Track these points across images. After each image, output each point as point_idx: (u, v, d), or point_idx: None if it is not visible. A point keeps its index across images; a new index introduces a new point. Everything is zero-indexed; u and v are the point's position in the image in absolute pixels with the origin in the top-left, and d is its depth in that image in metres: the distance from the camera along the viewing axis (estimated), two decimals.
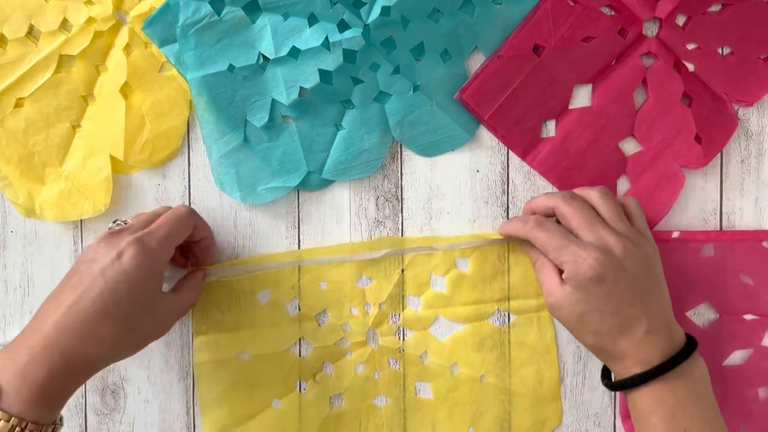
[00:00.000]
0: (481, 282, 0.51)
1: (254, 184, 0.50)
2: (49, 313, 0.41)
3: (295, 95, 0.49)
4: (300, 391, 0.52)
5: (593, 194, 0.46)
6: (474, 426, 0.52)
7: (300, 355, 0.52)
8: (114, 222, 0.46)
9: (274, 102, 0.49)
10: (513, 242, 0.51)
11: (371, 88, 0.49)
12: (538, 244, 0.45)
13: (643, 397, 0.43)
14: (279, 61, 0.48)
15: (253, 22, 0.48)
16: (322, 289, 0.51)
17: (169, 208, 0.47)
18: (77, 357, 0.41)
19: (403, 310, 0.52)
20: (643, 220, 0.47)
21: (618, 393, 0.52)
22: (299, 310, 0.51)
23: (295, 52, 0.48)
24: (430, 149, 0.51)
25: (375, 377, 0.52)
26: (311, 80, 0.48)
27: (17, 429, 0.38)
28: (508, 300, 0.52)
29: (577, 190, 0.47)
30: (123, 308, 0.41)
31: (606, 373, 0.48)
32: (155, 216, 0.46)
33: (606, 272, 0.43)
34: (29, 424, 0.39)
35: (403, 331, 0.52)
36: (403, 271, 0.51)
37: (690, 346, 0.44)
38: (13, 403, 0.39)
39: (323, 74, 0.48)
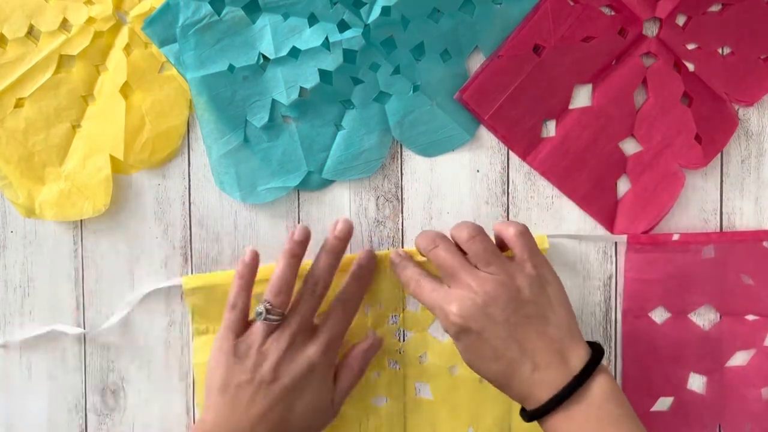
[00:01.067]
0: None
1: (254, 184, 0.50)
2: (243, 423, 0.44)
3: (295, 95, 0.49)
4: None
5: (462, 234, 0.45)
6: (474, 426, 0.52)
7: None
8: (264, 313, 0.45)
9: (274, 102, 0.49)
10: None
11: (371, 88, 0.49)
12: (419, 299, 0.46)
13: (550, 428, 0.43)
14: (279, 61, 0.48)
15: (253, 22, 0.48)
16: None
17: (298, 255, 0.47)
18: None
19: (402, 311, 0.52)
20: (524, 246, 0.44)
21: None
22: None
23: (295, 52, 0.48)
24: (430, 149, 0.51)
25: (375, 377, 0.52)
26: (311, 80, 0.48)
27: None
28: None
29: (453, 229, 0.46)
30: (306, 409, 0.46)
31: None
32: (291, 278, 0.46)
33: (469, 323, 0.42)
34: None
35: (403, 332, 0.52)
36: None
37: (584, 372, 0.42)
38: None
39: (323, 74, 0.48)
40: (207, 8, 0.47)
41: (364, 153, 0.50)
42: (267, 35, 0.48)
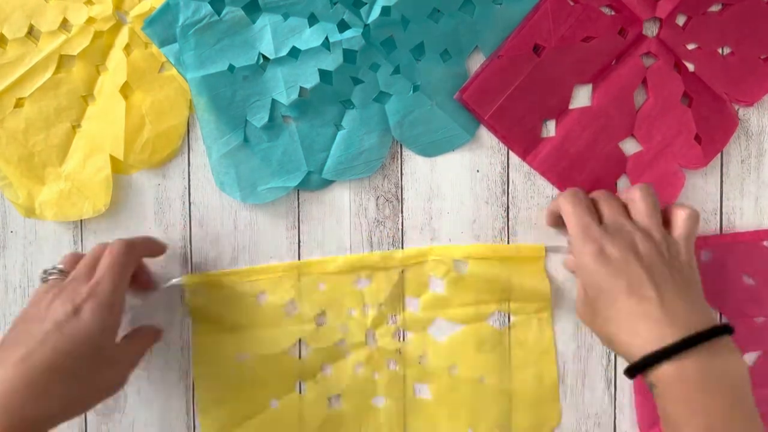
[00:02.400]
0: (480, 283, 0.51)
1: (254, 184, 0.50)
2: (2, 372, 0.39)
3: (295, 95, 0.49)
4: (299, 392, 0.52)
5: (634, 192, 0.46)
6: (473, 427, 0.52)
7: (299, 357, 0.52)
8: (45, 272, 0.45)
9: (274, 102, 0.49)
10: (518, 250, 0.51)
11: (371, 88, 0.49)
12: (565, 215, 0.46)
13: (656, 380, 0.41)
14: (279, 61, 0.48)
15: (253, 22, 0.48)
16: (320, 291, 0.51)
17: (104, 247, 0.46)
18: (25, 419, 0.38)
19: (402, 311, 0.52)
20: (685, 235, 0.45)
21: (621, 394, 0.52)
22: (298, 311, 0.51)
23: (295, 52, 0.48)
24: (430, 149, 0.51)
25: (374, 378, 0.52)
26: (311, 80, 0.48)
27: None
28: (508, 301, 0.51)
29: (624, 190, 0.48)
30: (79, 364, 0.40)
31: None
32: (93, 260, 0.45)
33: (609, 251, 0.43)
34: None
35: (402, 333, 0.52)
36: (402, 272, 0.51)
37: (716, 330, 0.41)
38: None
39: (323, 74, 0.48)
40: (207, 8, 0.47)
41: (364, 153, 0.50)
42: (267, 35, 0.48)
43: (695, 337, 0.40)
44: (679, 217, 0.45)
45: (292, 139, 0.50)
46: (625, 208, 0.46)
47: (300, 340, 0.52)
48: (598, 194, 0.47)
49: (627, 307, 0.42)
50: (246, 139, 0.50)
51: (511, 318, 0.52)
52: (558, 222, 0.49)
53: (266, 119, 0.49)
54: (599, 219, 0.46)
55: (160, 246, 0.49)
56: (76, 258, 0.46)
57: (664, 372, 0.40)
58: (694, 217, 0.46)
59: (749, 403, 0.41)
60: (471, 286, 0.51)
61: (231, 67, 0.48)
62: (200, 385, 0.51)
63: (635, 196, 0.46)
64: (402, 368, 0.52)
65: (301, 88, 0.49)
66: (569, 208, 0.46)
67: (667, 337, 0.40)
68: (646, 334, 0.41)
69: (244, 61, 0.48)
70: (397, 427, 0.52)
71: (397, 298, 0.51)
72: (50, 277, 0.45)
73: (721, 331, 0.41)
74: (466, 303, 0.51)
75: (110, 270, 0.43)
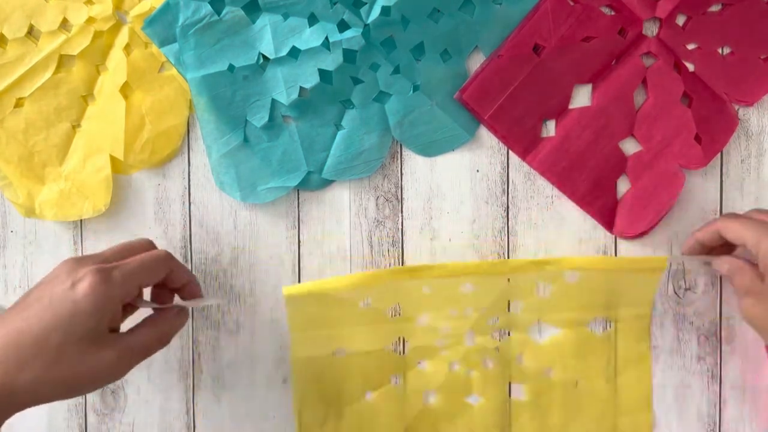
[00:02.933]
0: (587, 292, 0.51)
1: (254, 184, 0.50)
2: None
3: (295, 95, 0.49)
4: (394, 384, 0.52)
5: None
6: (565, 431, 0.52)
7: (399, 353, 0.52)
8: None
9: (274, 102, 0.49)
10: (627, 258, 0.51)
11: (371, 88, 0.49)
12: (733, 233, 0.45)
13: None
14: (279, 61, 0.48)
15: (253, 22, 0.48)
16: (424, 293, 0.50)
17: (152, 245, 0.45)
18: (5, 385, 0.37)
19: (504, 312, 0.51)
20: None
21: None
22: (401, 314, 0.51)
23: (295, 52, 0.48)
24: (430, 149, 0.51)
25: (469, 376, 0.52)
26: (311, 80, 0.48)
27: None
28: (611, 308, 0.51)
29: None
30: (60, 340, 0.38)
31: None
32: (134, 249, 0.43)
33: None
34: None
35: (501, 332, 0.52)
36: (509, 280, 0.51)
37: None
38: None
39: (323, 74, 0.48)
40: (207, 8, 0.47)
41: (364, 153, 0.50)
42: (267, 35, 0.48)
43: None
44: None
45: (292, 138, 0.50)
46: None
47: (399, 338, 0.52)
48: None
49: None
50: (246, 139, 0.50)
51: (612, 324, 0.52)
52: (703, 250, 0.49)
53: (266, 119, 0.49)
54: None
55: (189, 279, 0.45)
56: (123, 246, 0.44)
57: None
58: None
59: None
60: (578, 294, 0.51)
61: (231, 67, 0.48)
62: (296, 380, 0.51)
63: None
64: (498, 367, 0.52)
65: (301, 88, 0.49)
66: (738, 224, 0.45)
67: None
68: None
69: (244, 61, 0.48)
70: (493, 426, 0.52)
71: (501, 302, 0.51)
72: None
73: None
74: (570, 308, 0.51)
75: (136, 260, 0.41)
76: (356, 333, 0.51)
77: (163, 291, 0.45)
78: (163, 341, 0.43)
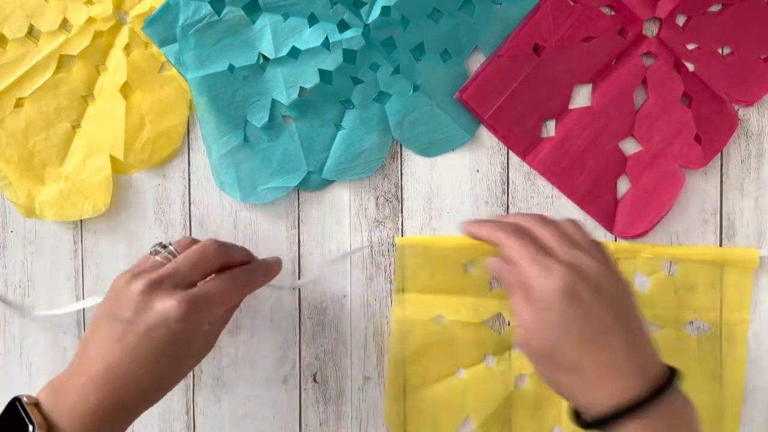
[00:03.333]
0: (685, 288, 0.51)
1: (254, 184, 0.50)
2: (97, 366, 0.40)
3: (295, 95, 0.49)
4: (487, 364, 0.52)
5: (566, 223, 0.42)
6: None
7: (497, 331, 0.52)
8: (159, 246, 0.44)
9: (274, 102, 0.49)
10: (730, 254, 0.51)
11: (371, 88, 0.49)
12: (513, 253, 0.40)
13: None
14: (279, 61, 0.48)
15: (253, 22, 0.48)
16: None
17: (220, 249, 0.44)
18: (121, 398, 0.40)
19: None
20: (609, 255, 0.42)
21: None
22: (502, 286, 0.51)
23: (295, 52, 0.48)
24: (430, 149, 0.51)
25: None
26: (311, 80, 0.48)
27: None
28: (708, 310, 0.51)
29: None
30: (166, 362, 0.40)
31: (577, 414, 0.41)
32: (202, 260, 0.43)
33: (581, 291, 0.38)
34: None
35: None
36: None
37: (671, 377, 0.39)
38: None
39: (323, 74, 0.48)
40: (207, 8, 0.47)
41: (364, 153, 0.50)
42: (267, 35, 0.48)
43: (660, 386, 0.38)
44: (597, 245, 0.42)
45: (292, 139, 0.50)
46: (566, 235, 0.41)
47: (499, 315, 0.52)
48: (532, 221, 0.42)
49: (596, 357, 0.38)
50: (246, 139, 0.50)
51: (708, 327, 0.52)
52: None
53: (266, 119, 0.49)
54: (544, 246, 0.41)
55: (272, 273, 0.46)
56: (189, 245, 0.44)
57: (630, 429, 0.37)
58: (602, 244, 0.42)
59: None
60: (675, 289, 0.51)
61: (231, 67, 0.48)
62: (393, 341, 0.52)
63: (568, 227, 0.42)
64: None
65: (301, 88, 0.49)
66: (512, 239, 0.40)
67: (634, 389, 0.37)
68: (612, 387, 0.37)
69: (244, 61, 0.48)
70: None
71: None
72: (158, 256, 0.43)
73: (675, 375, 0.39)
74: (668, 306, 0.51)
75: (219, 288, 0.42)
76: (458, 302, 0.51)
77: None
78: (238, 291, 0.44)
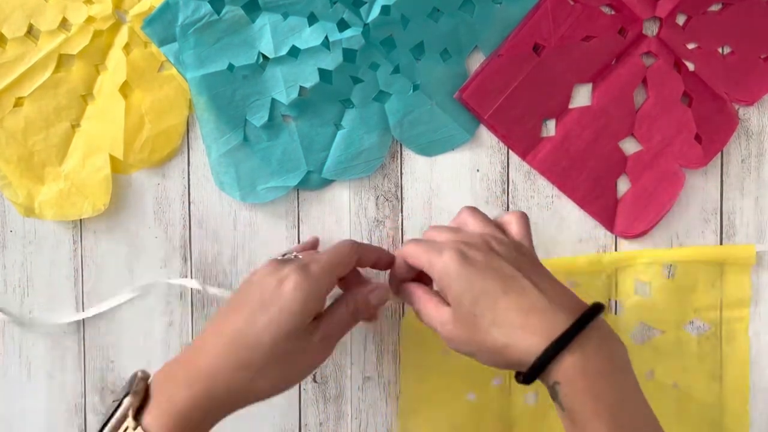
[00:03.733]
0: (684, 289, 0.51)
1: (254, 184, 0.50)
2: (213, 343, 0.40)
3: (294, 94, 0.49)
4: (496, 384, 0.52)
5: (462, 213, 0.45)
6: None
7: None
8: (283, 255, 0.45)
9: (273, 101, 0.49)
10: (728, 252, 0.51)
11: (371, 88, 0.49)
12: (411, 258, 0.42)
13: (560, 376, 0.37)
14: (279, 60, 0.48)
15: (253, 22, 0.48)
16: None
17: (350, 247, 0.45)
18: (230, 390, 0.40)
19: (606, 314, 0.50)
20: (523, 234, 0.44)
21: None
22: None
23: (294, 52, 0.48)
24: (430, 149, 0.51)
25: None
26: (311, 79, 0.48)
27: None
28: (708, 309, 0.52)
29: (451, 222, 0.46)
30: (272, 338, 0.39)
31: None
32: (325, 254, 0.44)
33: (471, 254, 0.40)
34: None
35: None
36: (609, 276, 0.51)
37: (595, 309, 0.39)
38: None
39: (323, 73, 0.48)
40: (206, 7, 0.47)
41: (364, 152, 0.50)
42: (266, 34, 0.48)
43: (586, 316, 0.38)
44: (513, 220, 0.44)
45: (291, 138, 0.50)
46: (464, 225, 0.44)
47: None
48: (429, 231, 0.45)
49: (510, 305, 0.39)
50: (246, 139, 0.50)
51: (709, 326, 0.52)
52: (407, 275, 0.45)
53: (266, 118, 0.49)
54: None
55: (388, 258, 0.46)
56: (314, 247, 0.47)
57: (569, 365, 0.37)
58: (525, 218, 0.44)
59: (635, 379, 0.39)
60: (676, 292, 0.51)
61: (231, 66, 0.48)
62: (405, 378, 0.52)
63: (464, 216, 0.44)
64: None
65: (300, 87, 0.49)
66: (410, 247, 0.43)
67: (561, 323, 0.37)
68: (541, 326, 0.38)
69: (243, 60, 0.48)
70: None
71: (604, 300, 0.51)
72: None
73: (599, 307, 0.39)
74: (670, 309, 0.51)
75: (329, 252, 0.43)
76: None
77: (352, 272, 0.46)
78: (356, 316, 0.44)
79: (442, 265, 0.40)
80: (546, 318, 0.38)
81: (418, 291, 0.43)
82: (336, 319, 0.43)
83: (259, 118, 0.49)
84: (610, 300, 0.52)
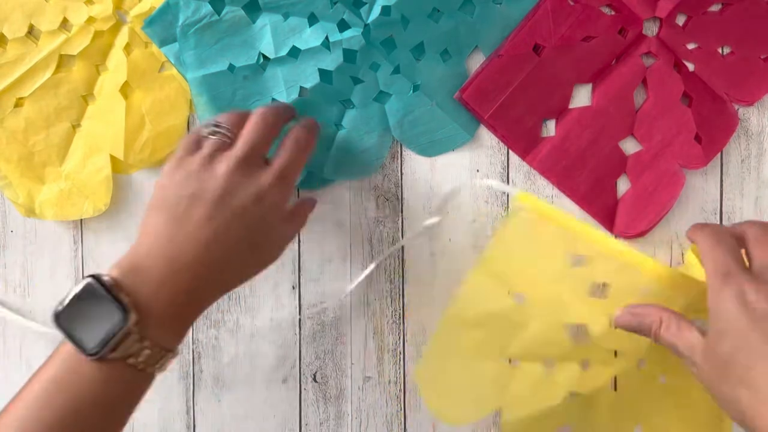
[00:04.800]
0: (686, 288, 0.49)
1: None
2: (188, 246, 0.39)
3: (295, 95, 0.49)
4: (545, 366, 0.47)
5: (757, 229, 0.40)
6: (642, 425, 0.51)
7: (571, 337, 0.46)
8: (215, 126, 0.42)
9: (274, 101, 0.49)
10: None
11: (371, 88, 0.49)
12: (703, 254, 0.39)
13: None
14: (279, 60, 0.48)
15: (253, 22, 0.48)
16: (638, 294, 0.44)
17: (273, 115, 0.44)
18: (206, 286, 0.40)
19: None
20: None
21: None
22: (605, 298, 0.44)
23: (295, 52, 0.48)
24: (430, 149, 0.51)
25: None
26: (311, 80, 0.48)
27: (159, 357, 0.38)
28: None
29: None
30: (256, 240, 0.41)
31: None
32: (264, 135, 0.43)
33: (756, 298, 0.35)
34: (167, 352, 0.38)
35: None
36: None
37: None
38: (156, 330, 0.38)
39: (323, 74, 0.48)
40: (207, 8, 0.47)
41: (365, 153, 0.50)
42: (267, 35, 0.48)
43: None
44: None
45: None
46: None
47: (585, 325, 0.45)
48: (750, 230, 0.40)
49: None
50: None
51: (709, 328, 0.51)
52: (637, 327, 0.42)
53: None
54: (746, 262, 0.39)
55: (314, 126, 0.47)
56: (240, 120, 0.43)
57: None
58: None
59: None
60: (684, 289, 0.49)
61: (231, 67, 0.48)
62: (461, 297, 0.45)
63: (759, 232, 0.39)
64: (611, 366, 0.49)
65: (301, 87, 0.49)
66: (708, 246, 0.39)
67: None
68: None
69: (244, 61, 0.48)
70: (578, 408, 0.49)
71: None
72: (215, 136, 0.42)
73: None
74: (672, 301, 0.50)
75: (292, 151, 0.43)
76: (548, 291, 0.45)
77: None
78: (299, 145, 0.44)
79: (719, 301, 0.36)
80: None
81: (681, 322, 0.39)
82: (282, 154, 0.43)
83: None
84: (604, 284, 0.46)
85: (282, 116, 0.45)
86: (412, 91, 0.50)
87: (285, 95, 0.49)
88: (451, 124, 0.51)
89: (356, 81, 0.49)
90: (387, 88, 0.49)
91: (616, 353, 0.48)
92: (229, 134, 0.42)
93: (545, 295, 0.45)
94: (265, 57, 0.49)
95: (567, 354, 0.47)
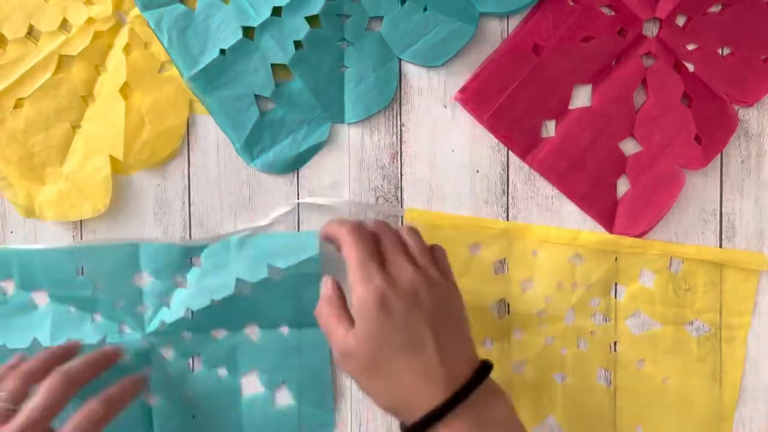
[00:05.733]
0: (687, 288, 0.51)
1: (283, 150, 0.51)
2: None
3: (292, 50, 0.49)
4: (486, 347, 0.52)
5: (402, 230, 0.44)
6: (643, 426, 0.52)
7: (496, 314, 0.52)
8: None
9: (273, 66, 0.49)
10: (729, 256, 0.52)
11: (360, 18, 0.49)
12: (346, 249, 0.42)
13: None
14: (264, 25, 0.49)
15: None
16: (533, 257, 0.51)
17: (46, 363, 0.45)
18: None
19: (607, 296, 0.52)
20: (447, 264, 0.44)
21: None
22: (506, 272, 0.51)
23: (277, 12, 0.48)
24: (437, 55, 0.50)
25: (561, 353, 0.52)
26: (302, 31, 0.49)
27: None
28: (710, 312, 0.52)
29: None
30: None
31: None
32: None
33: (392, 303, 0.40)
34: None
35: (601, 316, 0.52)
36: (616, 259, 0.51)
37: (480, 374, 0.41)
38: None
39: (311, 20, 0.49)
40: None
41: (376, 84, 0.50)
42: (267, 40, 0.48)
43: (462, 390, 0.39)
44: (436, 250, 0.44)
45: (303, 95, 0.50)
46: (404, 244, 0.43)
47: (503, 300, 0.52)
48: (378, 227, 0.44)
49: (411, 366, 0.40)
50: (263, 114, 0.50)
51: (709, 329, 0.52)
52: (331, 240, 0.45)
53: (273, 86, 0.49)
54: (380, 252, 0.43)
55: (111, 357, 0.47)
56: (25, 389, 0.43)
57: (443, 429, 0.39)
58: (440, 247, 0.45)
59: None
60: (677, 288, 0.51)
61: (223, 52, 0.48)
62: None
63: (404, 235, 0.44)
64: (591, 350, 0.52)
65: (294, 42, 0.49)
66: (351, 239, 0.42)
67: (439, 394, 0.39)
68: (425, 394, 0.39)
69: (231, 42, 0.48)
70: (569, 406, 0.52)
71: (607, 283, 0.52)
72: None
73: (484, 372, 0.41)
74: (670, 304, 0.52)
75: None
76: (460, 284, 0.47)
77: None
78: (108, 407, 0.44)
79: (363, 302, 0.40)
80: (432, 388, 0.39)
81: (331, 286, 0.43)
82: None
83: (266, 90, 0.49)
84: (615, 284, 0.52)
85: (77, 382, 0.44)
86: (400, 5, 0.49)
87: (282, 54, 0.49)
88: (449, 20, 0.50)
89: (345, 17, 0.49)
90: (375, 12, 0.49)
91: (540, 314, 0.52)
92: (11, 406, 0.42)
93: (464, 289, 0.48)
94: (248, 30, 0.49)
95: (498, 329, 0.52)
